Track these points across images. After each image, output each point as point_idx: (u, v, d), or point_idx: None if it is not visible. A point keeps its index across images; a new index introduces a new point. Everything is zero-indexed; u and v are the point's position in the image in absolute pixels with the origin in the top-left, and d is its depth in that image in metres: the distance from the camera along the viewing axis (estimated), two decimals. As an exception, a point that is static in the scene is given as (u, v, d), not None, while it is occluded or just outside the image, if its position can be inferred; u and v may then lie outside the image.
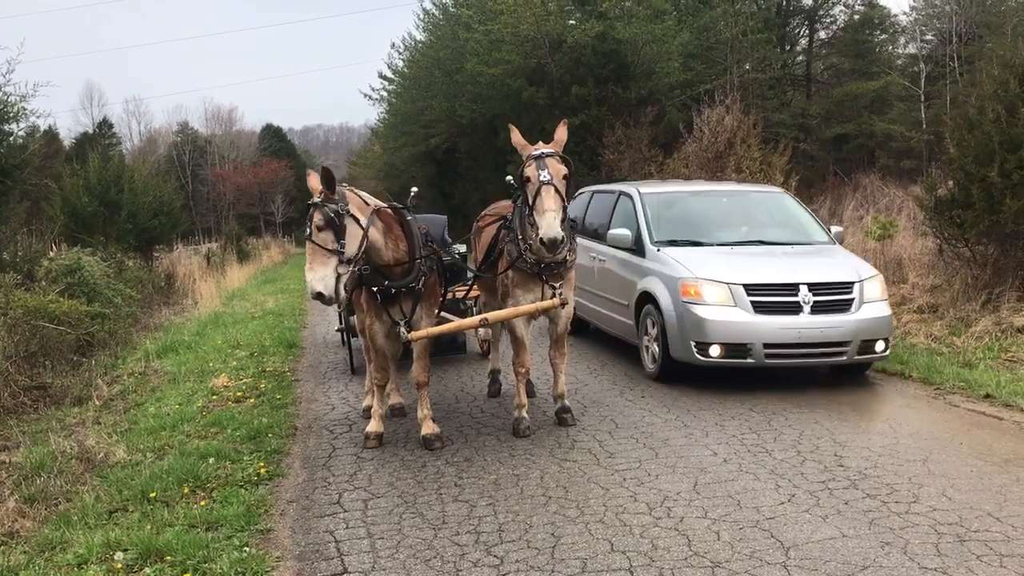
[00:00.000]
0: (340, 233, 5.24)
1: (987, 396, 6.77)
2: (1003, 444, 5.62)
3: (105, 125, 58.07)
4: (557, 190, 5.59)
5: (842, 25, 30.75)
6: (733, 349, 7.17)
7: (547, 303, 6.14)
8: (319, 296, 5.23)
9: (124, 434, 6.80)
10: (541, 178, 5.58)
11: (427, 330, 6.01)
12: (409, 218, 6.05)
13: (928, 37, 27.94)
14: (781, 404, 6.79)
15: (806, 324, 7.10)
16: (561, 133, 6.03)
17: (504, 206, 6.95)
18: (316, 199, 5.37)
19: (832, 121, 28.20)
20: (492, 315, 6.43)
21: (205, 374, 9.06)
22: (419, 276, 5.92)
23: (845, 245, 9.05)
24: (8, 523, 4.85)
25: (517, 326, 6.30)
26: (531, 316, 6.34)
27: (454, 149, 34.54)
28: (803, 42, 31.62)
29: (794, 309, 7.14)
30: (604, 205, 9.61)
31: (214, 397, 7.91)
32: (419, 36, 36.36)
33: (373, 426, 6.22)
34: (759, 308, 7.15)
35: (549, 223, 5.47)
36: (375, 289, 5.85)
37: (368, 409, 6.70)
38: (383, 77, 39.92)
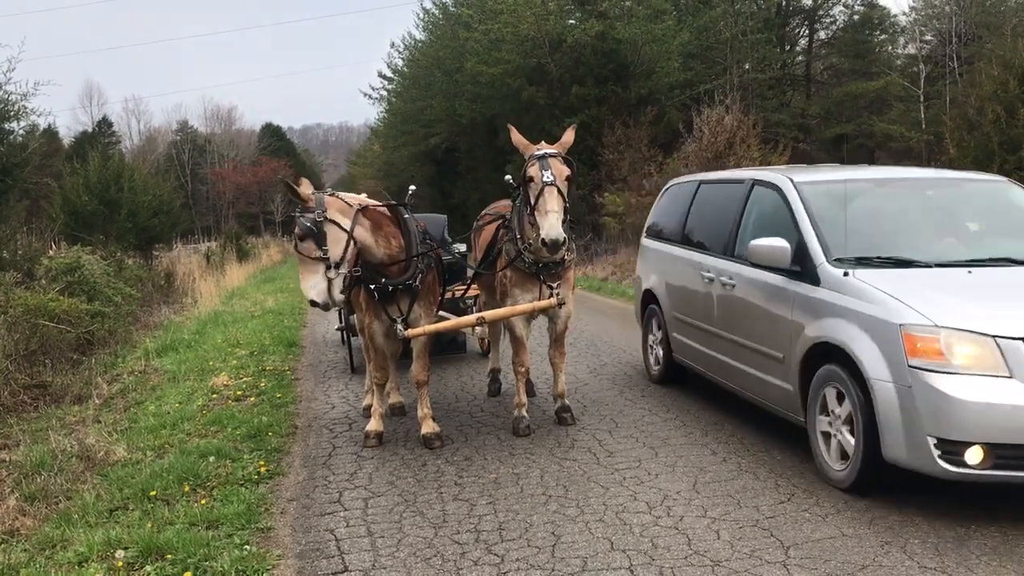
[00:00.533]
0: (321, 240, 5.30)
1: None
2: None
3: (104, 124, 58.12)
4: (560, 191, 5.59)
5: (842, 25, 30.81)
6: (1011, 454, 4.20)
7: (545, 302, 6.15)
8: (314, 304, 5.35)
9: (124, 433, 6.81)
10: (544, 179, 5.58)
11: (424, 327, 6.02)
12: (406, 216, 6.05)
13: (928, 37, 27.97)
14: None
15: None
16: (568, 136, 6.04)
17: (504, 205, 6.95)
18: (297, 210, 5.44)
19: (832, 121, 28.25)
20: (489, 314, 6.44)
21: (205, 373, 9.06)
22: (416, 273, 5.93)
23: None
24: (9, 521, 4.86)
25: (516, 325, 6.30)
26: (529, 315, 6.35)
27: (454, 148, 34.57)
28: (803, 42, 31.67)
29: None
30: (724, 202, 6.72)
31: (214, 396, 7.92)
32: (419, 35, 36.42)
33: (373, 425, 6.23)
34: None
35: (552, 224, 5.48)
36: (372, 287, 5.86)
37: (368, 408, 6.71)
38: (383, 76, 39.99)
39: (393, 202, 6.24)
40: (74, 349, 10.16)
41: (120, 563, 4.19)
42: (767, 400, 5.76)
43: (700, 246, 6.86)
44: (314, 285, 5.29)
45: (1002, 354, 4.22)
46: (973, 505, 4.53)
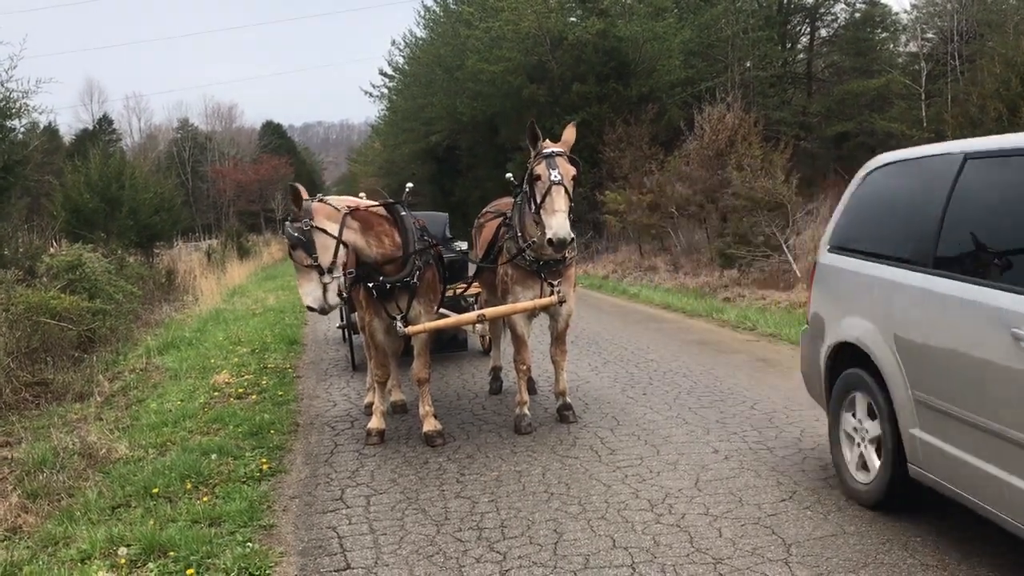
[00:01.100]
0: (310, 248, 5.39)
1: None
2: None
3: (105, 121, 58.11)
4: (567, 190, 5.60)
5: (843, 23, 30.75)
6: None
7: (545, 300, 6.15)
8: (311, 309, 5.53)
9: (126, 430, 6.81)
10: (552, 178, 5.57)
11: (423, 325, 6.03)
12: (403, 214, 6.06)
13: (929, 35, 27.90)
14: (782, 402, 6.80)
15: None
16: (569, 134, 6.03)
17: (505, 203, 6.94)
18: (287, 219, 5.56)
19: (833, 119, 28.19)
20: (490, 311, 6.44)
21: (207, 370, 9.07)
22: (414, 271, 5.94)
23: None
24: (11, 519, 4.87)
25: (518, 323, 6.30)
26: (531, 313, 6.35)
27: (454, 146, 34.56)
28: (804, 40, 31.62)
29: None
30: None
31: (216, 393, 7.93)
32: (420, 33, 36.41)
33: (375, 423, 6.23)
34: None
35: (560, 223, 5.47)
36: (371, 285, 5.88)
37: (370, 406, 6.72)
38: (384, 74, 40.02)
39: (390, 200, 6.25)
40: (75, 347, 10.17)
41: (123, 560, 4.20)
42: None
43: (984, 275, 3.72)
44: (310, 292, 5.42)
45: None
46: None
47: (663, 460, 5.46)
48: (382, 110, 44.34)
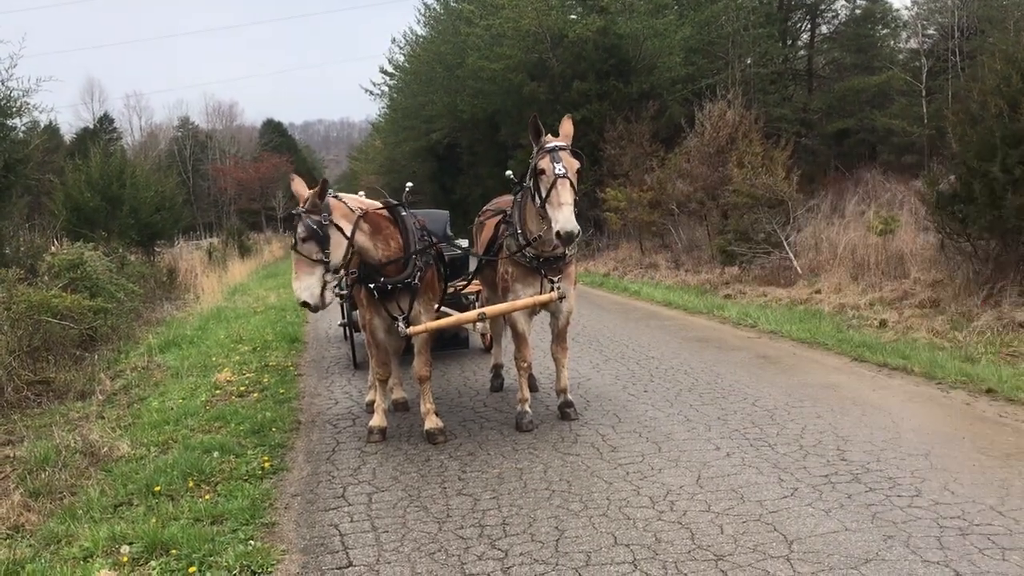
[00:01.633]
0: (324, 243, 5.34)
1: (989, 391, 6.77)
2: (1005, 439, 5.62)
3: (106, 120, 58.06)
4: (572, 183, 5.59)
5: (844, 20, 30.74)
6: None
7: (545, 296, 6.14)
8: (305, 305, 5.38)
9: (128, 428, 6.82)
10: (557, 171, 5.55)
11: (425, 324, 6.03)
12: (404, 214, 6.06)
13: (930, 32, 27.87)
14: (784, 399, 6.80)
15: None
16: (567, 127, 6.01)
17: (505, 201, 6.94)
18: (300, 208, 5.44)
19: (833, 116, 28.19)
20: (490, 309, 6.44)
21: (208, 369, 9.08)
22: (415, 272, 5.94)
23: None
24: (14, 517, 4.87)
25: (518, 321, 6.30)
26: (531, 310, 6.34)
27: (455, 144, 34.55)
28: (805, 37, 31.60)
29: None
30: None
31: (217, 392, 7.93)
32: (420, 31, 36.39)
33: (376, 420, 6.24)
34: None
35: (567, 216, 5.45)
36: (372, 286, 5.88)
37: (371, 404, 6.72)
38: (384, 72, 39.98)
39: (393, 202, 6.25)
40: (77, 345, 10.18)
41: (125, 558, 4.21)
42: None
43: None
44: (308, 287, 5.32)
45: None
46: (975, 500, 4.53)
47: (664, 457, 5.46)
48: (383, 108, 44.41)
